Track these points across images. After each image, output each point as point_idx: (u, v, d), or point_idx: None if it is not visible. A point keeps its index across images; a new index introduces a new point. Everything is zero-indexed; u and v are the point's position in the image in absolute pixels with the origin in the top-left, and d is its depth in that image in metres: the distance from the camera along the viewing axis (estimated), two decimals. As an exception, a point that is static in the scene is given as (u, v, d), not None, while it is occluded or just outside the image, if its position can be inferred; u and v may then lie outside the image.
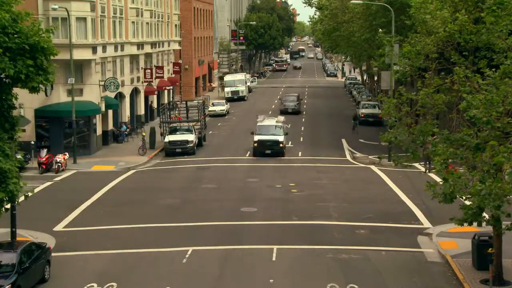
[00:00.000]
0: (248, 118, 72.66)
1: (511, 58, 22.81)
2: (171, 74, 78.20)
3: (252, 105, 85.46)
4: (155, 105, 70.53)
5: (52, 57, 23.78)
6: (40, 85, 23.68)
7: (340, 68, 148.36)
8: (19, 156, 26.25)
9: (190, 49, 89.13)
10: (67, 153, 46.67)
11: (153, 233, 30.84)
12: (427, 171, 38.00)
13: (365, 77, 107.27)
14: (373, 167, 46.44)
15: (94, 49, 50.43)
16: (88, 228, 31.57)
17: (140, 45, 63.68)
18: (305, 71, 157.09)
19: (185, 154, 51.17)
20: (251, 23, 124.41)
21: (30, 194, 24.71)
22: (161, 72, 67.29)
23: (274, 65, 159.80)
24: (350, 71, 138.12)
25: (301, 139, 59.15)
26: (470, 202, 21.70)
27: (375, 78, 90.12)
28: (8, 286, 21.69)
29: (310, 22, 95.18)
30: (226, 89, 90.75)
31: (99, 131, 53.05)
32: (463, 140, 22.92)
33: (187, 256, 27.24)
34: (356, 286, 23.84)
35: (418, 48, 27.39)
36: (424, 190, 23.33)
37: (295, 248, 28.15)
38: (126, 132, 57.75)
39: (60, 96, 49.12)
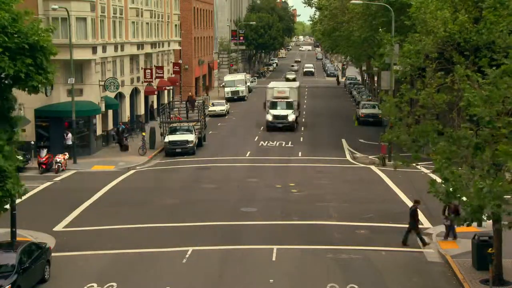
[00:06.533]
0: (248, 118, 72.70)
1: (511, 58, 22.80)
2: (171, 74, 78.20)
3: (252, 105, 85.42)
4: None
5: (52, 57, 23.77)
6: (40, 85, 23.67)
7: (340, 68, 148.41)
8: (19, 157, 26.19)
9: (190, 49, 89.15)
10: (67, 153, 46.70)
11: (153, 233, 30.83)
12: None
13: (365, 77, 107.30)
14: (373, 167, 46.43)
15: (94, 49, 50.42)
16: (88, 228, 31.56)
17: (140, 45, 63.68)
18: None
19: (185, 154, 51.16)
20: (251, 23, 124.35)
21: (24, 193, 24.62)
22: (161, 72, 67.29)
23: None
24: (344, 65, 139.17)
25: (301, 139, 59.14)
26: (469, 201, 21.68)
27: (375, 78, 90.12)
28: (8, 286, 21.69)
29: (311, 22, 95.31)
30: (226, 89, 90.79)
31: (99, 131, 53.06)
32: (463, 139, 22.92)
33: (187, 256, 27.23)
34: (356, 286, 23.83)
35: (418, 48, 27.38)
36: (429, 188, 23.21)
37: (295, 248, 28.15)
38: (124, 134, 57.53)
39: (60, 96, 49.11)
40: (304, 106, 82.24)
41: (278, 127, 62.58)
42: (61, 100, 49.09)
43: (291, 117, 63.34)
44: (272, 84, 71.12)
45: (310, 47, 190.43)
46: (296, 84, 72.97)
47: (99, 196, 38.16)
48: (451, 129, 23.94)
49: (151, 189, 39.86)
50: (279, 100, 64.88)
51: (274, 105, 64.49)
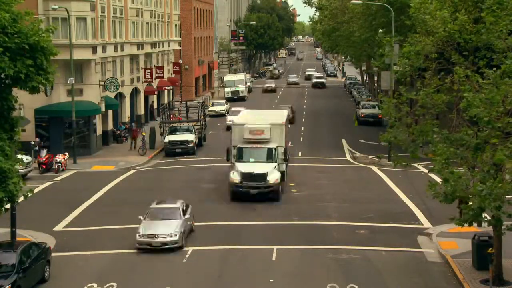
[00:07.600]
0: (248, 118, 72.58)
1: (511, 58, 22.81)
2: (171, 74, 78.19)
3: (252, 105, 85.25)
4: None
5: (52, 57, 23.77)
6: (40, 85, 23.68)
7: (340, 68, 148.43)
8: (19, 156, 26.22)
9: (190, 49, 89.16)
10: (67, 153, 46.71)
11: (153, 233, 30.79)
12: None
13: (365, 77, 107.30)
14: (373, 167, 46.43)
15: (94, 49, 50.43)
16: (88, 228, 31.58)
17: (140, 45, 63.69)
18: (305, 70, 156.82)
19: (185, 154, 51.16)
20: (251, 23, 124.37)
21: (29, 194, 24.68)
22: (161, 72, 67.28)
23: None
24: (339, 63, 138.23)
25: (301, 139, 59.13)
26: (471, 203, 21.71)
27: (375, 78, 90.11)
28: (8, 286, 21.71)
29: (310, 22, 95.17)
30: (226, 89, 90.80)
31: (99, 131, 53.06)
32: (463, 140, 22.94)
33: (187, 256, 27.25)
34: (356, 286, 23.85)
35: (418, 48, 27.37)
36: (425, 190, 23.33)
37: (295, 248, 28.16)
38: (123, 133, 57.47)
39: (60, 96, 49.13)
40: (304, 106, 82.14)
41: (251, 194, 36.03)
42: (61, 100, 49.11)
43: (273, 177, 36.18)
44: (241, 116, 43.15)
45: (316, 73, 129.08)
46: (281, 116, 41.46)
47: (99, 196, 38.17)
48: (447, 130, 23.96)
49: (151, 189, 39.84)
50: (253, 146, 37.85)
51: (242, 155, 37.58)
